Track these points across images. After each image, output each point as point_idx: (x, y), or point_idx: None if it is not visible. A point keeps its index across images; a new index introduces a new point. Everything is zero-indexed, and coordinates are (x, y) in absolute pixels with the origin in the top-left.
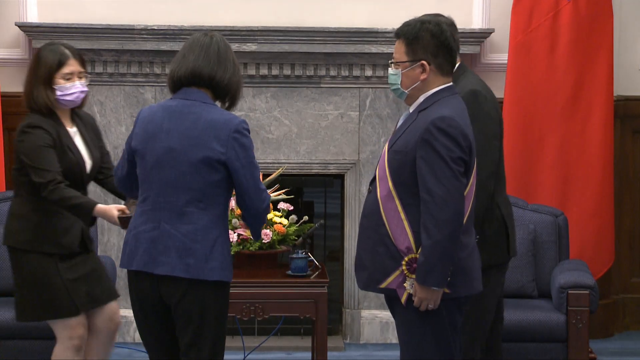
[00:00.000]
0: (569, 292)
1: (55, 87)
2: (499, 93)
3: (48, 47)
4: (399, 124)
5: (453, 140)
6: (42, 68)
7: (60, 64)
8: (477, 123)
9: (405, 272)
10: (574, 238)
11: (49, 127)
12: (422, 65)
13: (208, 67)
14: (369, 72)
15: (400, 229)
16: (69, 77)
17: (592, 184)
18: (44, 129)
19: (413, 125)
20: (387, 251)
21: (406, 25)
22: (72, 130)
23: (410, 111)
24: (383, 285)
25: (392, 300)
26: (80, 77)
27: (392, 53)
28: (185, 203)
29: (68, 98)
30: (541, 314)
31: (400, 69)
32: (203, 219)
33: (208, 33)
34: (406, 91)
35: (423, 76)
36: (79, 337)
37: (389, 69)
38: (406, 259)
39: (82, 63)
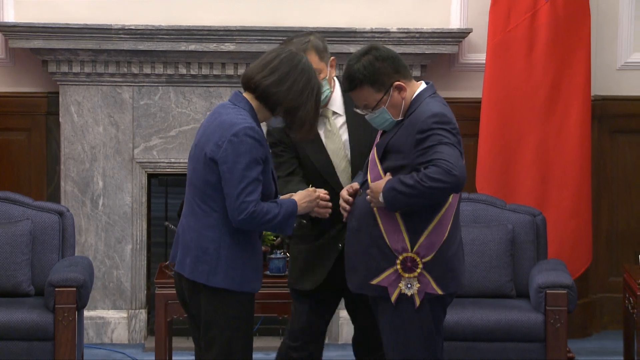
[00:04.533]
0: (547, 291)
1: None
2: (477, 93)
3: None
4: (377, 141)
5: (450, 133)
6: None
7: None
8: None
9: (399, 270)
10: (552, 238)
11: None
12: (397, 86)
13: (255, 71)
14: None
15: (394, 228)
16: None
17: (570, 183)
18: None
19: (403, 128)
20: (380, 252)
21: (350, 74)
22: None
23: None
24: (375, 282)
25: (376, 301)
26: None
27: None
28: (194, 200)
29: None
30: (519, 313)
31: (382, 107)
32: (202, 219)
33: (298, 51)
34: (400, 117)
35: (403, 93)
36: None
37: (366, 116)
38: (400, 257)
39: None
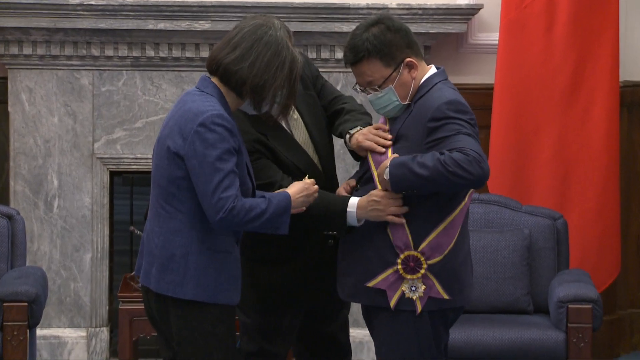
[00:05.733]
0: (569, 306)
1: None
2: (488, 78)
3: None
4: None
5: (469, 124)
6: None
7: None
8: None
9: (400, 271)
10: (575, 244)
11: None
12: (409, 63)
13: (217, 50)
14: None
15: (398, 226)
16: None
17: (595, 182)
18: None
19: (411, 115)
20: (378, 255)
21: (357, 44)
22: None
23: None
24: (371, 284)
25: (371, 314)
26: None
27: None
28: (157, 201)
29: None
30: (537, 331)
31: (389, 85)
32: (168, 222)
33: (267, 22)
34: (407, 101)
35: (414, 73)
36: None
37: (369, 96)
38: (402, 256)
39: None
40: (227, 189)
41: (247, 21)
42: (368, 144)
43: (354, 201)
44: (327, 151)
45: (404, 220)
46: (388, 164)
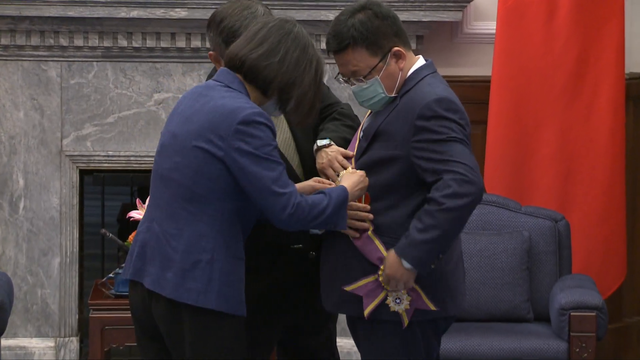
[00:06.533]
0: (572, 313)
1: None
2: (485, 70)
3: None
4: (366, 124)
5: (459, 125)
6: None
7: None
8: None
9: (381, 281)
10: (578, 247)
11: None
12: (396, 53)
13: (239, 46)
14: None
15: (364, 241)
16: None
17: (600, 180)
18: None
19: (396, 110)
20: (360, 264)
21: (341, 30)
22: None
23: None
24: (349, 288)
25: (356, 324)
26: None
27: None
28: (175, 201)
29: None
30: (538, 341)
31: (375, 76)
32: (192, 224)
33: (289, 18)
34: (393, 94)
35: (401, 63)
36: None
37: (353, 87)
38: (382, 267)
39: None
40: (286, 185)
41: (269, 18)
42: (322, 166)
43: None
44: (310, 151)
45: (357, 235)
46: (396, 259)
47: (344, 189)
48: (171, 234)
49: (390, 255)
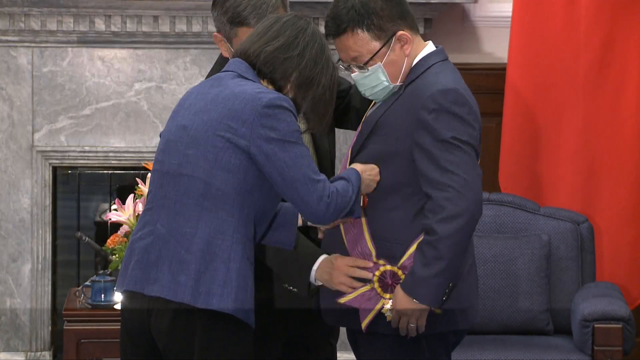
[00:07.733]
0: (595, 325)
1: None
2: (500, 56)
3: None
4: (369, 112)
5: (465, 123)
6: None
7: None
8: None
9: (377, 289)
10: (602, 253)
11: None
12: (401, 37)
13: (251, 41)
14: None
15: (357, 237)
16: None
17: (626, 179)
18: None
19: (400, 100)
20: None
21: (340, 13)
22: None
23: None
24: (342, 300)
25: (356, 336)
26: None
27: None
28: (187, 198)
29: None
30: (558, 355)
31: (377, 62)
32: (206, 221)
33: (302, 16)
34: (398, 82)
35: (407, 49)
36: None
37: (353, 75)
38: (377, 273)
39: None
40: (317, 172)
41: (281, 14)
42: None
43: (322, 258)
44: (327, 149)
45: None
46: (405, 296)
47: (355, 171)
48: (182, 234)
49: (399, 292)
